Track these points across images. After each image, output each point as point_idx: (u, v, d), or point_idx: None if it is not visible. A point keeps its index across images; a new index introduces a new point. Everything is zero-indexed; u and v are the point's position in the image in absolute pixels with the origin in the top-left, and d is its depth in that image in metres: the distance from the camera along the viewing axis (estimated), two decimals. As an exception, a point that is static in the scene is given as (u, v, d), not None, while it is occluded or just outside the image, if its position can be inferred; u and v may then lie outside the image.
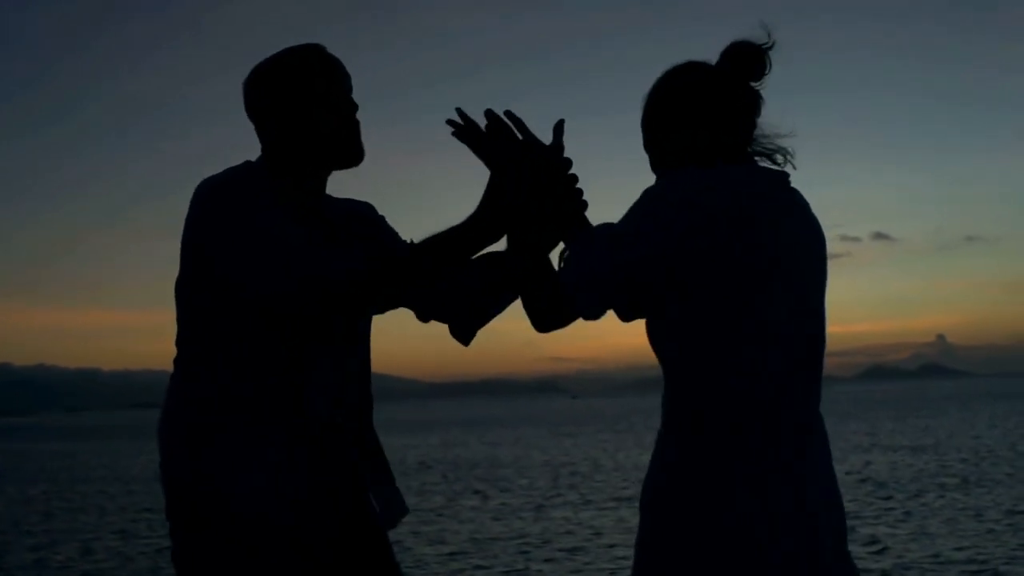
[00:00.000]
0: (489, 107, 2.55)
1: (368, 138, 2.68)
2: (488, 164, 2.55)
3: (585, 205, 2.52)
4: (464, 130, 2.58)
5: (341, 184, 2.76)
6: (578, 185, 2.53)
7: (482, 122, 2.57)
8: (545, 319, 2.55)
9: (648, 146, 2.50)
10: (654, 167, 2.50)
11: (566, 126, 2.54)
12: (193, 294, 2.59)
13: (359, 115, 2.68)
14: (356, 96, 2.69)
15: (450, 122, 2.60)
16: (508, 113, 2.56)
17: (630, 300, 2.34)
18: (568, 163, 2.52)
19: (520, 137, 2.54)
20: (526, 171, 2.48)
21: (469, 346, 2.80)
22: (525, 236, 2.52)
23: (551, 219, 2.48)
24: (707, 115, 2.41)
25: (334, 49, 2.66)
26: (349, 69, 2.68)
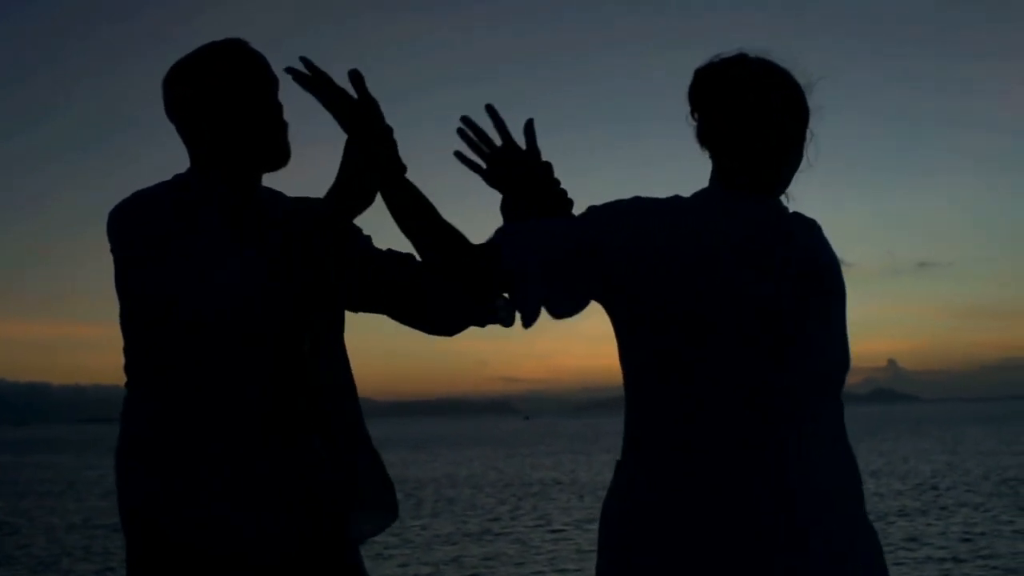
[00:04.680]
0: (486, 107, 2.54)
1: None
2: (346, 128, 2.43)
3: (570, 203, 2.50)
4: (310, 80, 2.42)
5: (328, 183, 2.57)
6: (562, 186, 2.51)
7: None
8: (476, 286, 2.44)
9: (723, 158, 2.36)
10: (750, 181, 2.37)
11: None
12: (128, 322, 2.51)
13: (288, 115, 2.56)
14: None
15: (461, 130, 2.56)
16: (489, 108, 2.54)
17: (565, 286, 2.26)
18: (548, 167, 2.49)
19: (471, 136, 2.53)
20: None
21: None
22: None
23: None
24: (747, 103, 2.30)
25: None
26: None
